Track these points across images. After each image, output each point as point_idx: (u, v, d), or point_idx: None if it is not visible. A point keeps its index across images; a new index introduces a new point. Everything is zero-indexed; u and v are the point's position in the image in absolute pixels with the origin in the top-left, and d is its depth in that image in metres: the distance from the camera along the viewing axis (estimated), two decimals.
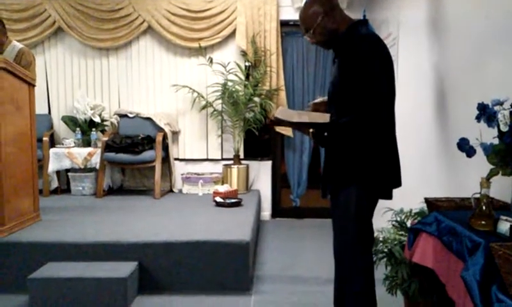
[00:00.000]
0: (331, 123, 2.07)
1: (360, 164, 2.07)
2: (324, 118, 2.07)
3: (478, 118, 1.72)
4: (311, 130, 2.11)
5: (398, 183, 2.19)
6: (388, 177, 2.14)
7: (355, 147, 2.06)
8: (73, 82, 5.53)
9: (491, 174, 1.64)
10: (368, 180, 2.09)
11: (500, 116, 1.55)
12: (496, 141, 1.64)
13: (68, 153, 5.07)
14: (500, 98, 1.65)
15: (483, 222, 1.61)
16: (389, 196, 2.19)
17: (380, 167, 2.09)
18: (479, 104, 1.71)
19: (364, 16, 2.60)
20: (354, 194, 2.09)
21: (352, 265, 2.18)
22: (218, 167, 5.53)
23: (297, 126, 2.22)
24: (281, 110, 2.19)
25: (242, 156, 5.47)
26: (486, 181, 1.63)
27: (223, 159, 5.58)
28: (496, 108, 1.62)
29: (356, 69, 1.99)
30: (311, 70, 5.50)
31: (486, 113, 1.66)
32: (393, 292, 2.33)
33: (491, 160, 1.64)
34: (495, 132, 1.66)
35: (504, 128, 1.53)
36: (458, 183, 2.55)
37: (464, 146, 1.78)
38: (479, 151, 1.73)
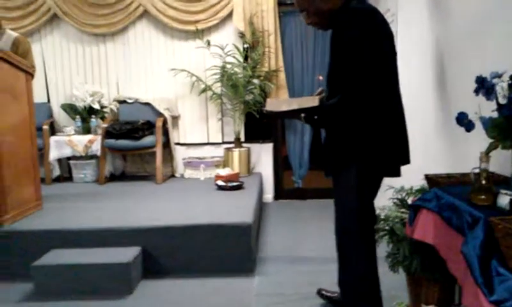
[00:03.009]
0: (320, 106, 2.07)
1: (358, 142, 2.07)
2: (313, 101, 2.09)
3: (476, 91, 1.69)
4: (302, 115, 2.11)
5: (405, 160, 2.18)
6: (391, 154, 2.13)
7: (352, 126, 2.05)
8: (71, 70, 5.50)
9: (490, 148, 1.62)
10: (369, 159, 2.09)
11: (498, 88, 1.52)
12: (495, 115, 1.62)
13: (68, 141, 5.08)
14: (498, 70, 1.62)
15: (483, 197, 1.59)
16: (396, 173, 2.19)
17: (381, 145, 2.08)
18: (477, 77, 1.68)
19: None
20: (355, 173, 2.09)
21: (354, 246, 2.20)
22: (219, 151, 5.51)
23: (288, 114, 2.22)
24: (270, 103, 2.20)
25: (243, 139, 5.46)
26: (485, 156, 1.61)
27: (223, 143, 5.56)
28: (494, 80, 1.59)
29: (345, 48, 1.97)
30: (310, 50, 5.44)
31: (484, 86, 1.63)
32: (396, 269, 2.33)
33: (490, 134, 1.62)
34: (494, 105, 1.64)
35: (503, 101, 1.51)
36: (459, 159, 2.53)
37: (463, 121, 1.77)
38: (480, 125, 1.71)
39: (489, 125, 1.63)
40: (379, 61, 1.97)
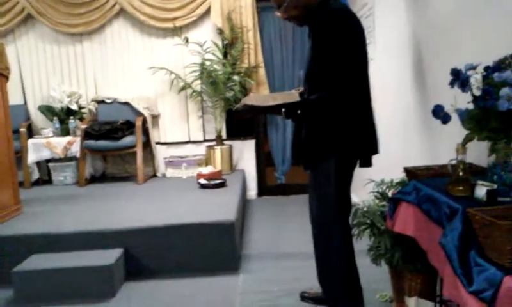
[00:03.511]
0: (304, 100, 2.16)
1: (337, 135, 2.14)
2: (293, 97, 2.15)
3: (452, 84, 1.71)
4: (283, 109, 2.14)
5: (375, 150, 2.27)
6: (365, 145, 2.22)
7: (331, 120, 2.12)
8: (48, 71, 5.40)
9: (467, 139, 1.64)
10: (347, 150, 2.18)
11: (472, 80, 1.54)
12: (471, 106, 1.64)
13: (47, 143, 4.99)
14: (473, 62, 1.64)
15: (460, 188, 1.61)
16: (369, 164, 2.28)
17: (357, 137, 2.17)
18: (452, 69, 1.70)
19: None
20: (334, 165, 2.16)
21: (333, 236, 2.26)
22: (201, 149, 5.48)
23: (269, 110, 2.24)
24: (254, 97, 2.21)
25: (224, 136, 5.44)
26: (462, 147, 1.63)
27: (205, 140, 5.52)
28: (469, 72, 1.61)
29: (327, 45, 2.03)
30: (289, 45, 5.45)
31: (459, 78, 1.65)
32: (378, 262, 2.35)
33: (467, 126, 1.64)
34: (470, 97, 1.65)
35: (477, 93, 1.52)
36: (439, 151, 2.57)
37: (439, 113, 1.78)
38: (457, 117, 1.73)
39: (465, 117, 1.64)
40: (359, 58, 2.09)
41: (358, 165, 2.28)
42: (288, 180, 5.75)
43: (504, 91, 1.44)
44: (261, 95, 2.16)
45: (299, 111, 2.17)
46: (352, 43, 2.04)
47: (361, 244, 2.37)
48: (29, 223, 3.43)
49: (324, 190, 2.24)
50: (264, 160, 5.72)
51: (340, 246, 2.25)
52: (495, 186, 1.53)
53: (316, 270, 2.48)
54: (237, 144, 5.54)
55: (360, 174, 2.67)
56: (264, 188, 5.74)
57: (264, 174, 5.74)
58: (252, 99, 2.20)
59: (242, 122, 5.44)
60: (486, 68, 1.58)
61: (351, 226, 2.34)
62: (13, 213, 3.62)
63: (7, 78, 3.70)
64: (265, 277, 3.09)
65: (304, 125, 2.29)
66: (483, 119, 1.58)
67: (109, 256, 2.99)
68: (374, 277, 2.61)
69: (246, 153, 5.60)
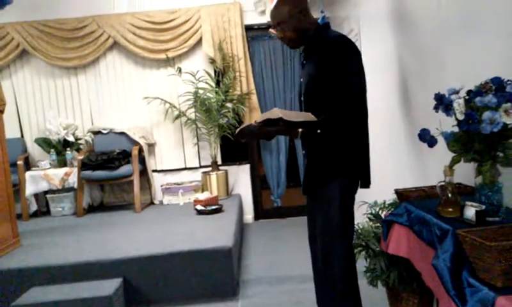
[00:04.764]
0: (322, 120, 2.07)
1: (342, 157, 2.15)
2: (309, 116, 2.05)
3: (436, 108, 1.77)
4: (300, 129, 2.08)
5: (369, 171, 2.27)
6: (365, 166, 2.23)
7: (337, 142, 2.13)
8: (44, 104, 5.46)
9: (453, 162, 1.69)
10: (351, 172, 2.18)
11: (455, 104, 1.60)
12: (456, 129, 1.69)
13: (44, 175, 5.02)
14: (455, 87, 1.71)
15: (450, 209, 1.66)
16: (368, 184, 2.26)
17: (359, 158, 2.19)
18: (435, 94, 1.76)
19: (323, 16, 2.63)
20: (339, 188, 2.15)
21: (337, 262, 2.20)
22: (197, 175, 5.54)
23: (287, 127, 2.11)
24: (280, 111, 2.01)
25: (220, 162, 5.51)
26: (449, 169, 1.68)
27: (201, 167, 5.58)
28: (452, 97, 1.67)
29: (330, 70, 2.07)
30: (280, 72, 5.56)
31: (443, 103, 1.71)
32: (374, 283, 2.38)
33: (452, 148, 1.70)
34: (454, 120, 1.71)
35: (460, 117, 1.58)
36: (428, 173, 2.61)
37: (425, 137, 1.84)
38: (442, 140, 1.78)
39: (451, 140, 1.70)
40: (361, 84, 2.13)
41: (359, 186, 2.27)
42: (284, 203, 5.79)
43: (486, 114, 1.50)
44: (285, 111, 2.01)
45: (318, 131, 2.11)
46: (354, 69, 2.10)
47: (358, 265, 2.38)
48: (27, 256, 3.43)
49: (327, 216, 2.20)
50: (259, 184, 5.77)
51: (344, 271, 2.20)
52: (484, 207, 1.57)
53: (316, 295, 2.44)
54: (233, 169, 5.59)
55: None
56: (261, 212, 5.78)
57: (259, 198, 5.79)
58: (280, 112, 2.01)
59: (236, 146, 5.50)
60: (468, 92, 1.64)
61: (354, 254, 2.30)
62: (12, 247, 3.63)
63: (2, 111, 3.74)
64: (264, 302, 3.11)
65: (307, 149, 2.31)
66: (468, 142, 1.64)
67: (109, 287, 3.00)
68: (372, 298, 2.62)
69: (241, 177, 5.65)
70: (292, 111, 2.19)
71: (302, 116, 2.10)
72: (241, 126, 2.17)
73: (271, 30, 2.34)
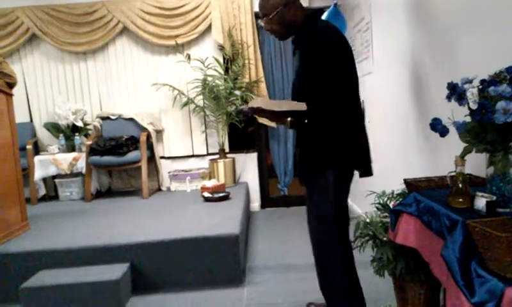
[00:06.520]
0: (310, 109, 2.09)
1: (333, 148, 2.16)
2: (300, 106, 2.08)
3: (449, 97, 1.75)
4: (289, 118, 2.14)
5: (368, 160, 2.28)
6: (362, 156, 2.24)
7: (327, 132, 2.13)
8: (53, 88, 5.48)
9: (465, 152, 1.67)
10: (344, 163, 2.19)
11: (468, 94, 1.57)
12: (468, 119, 1.67)
13: (53, 160, 5.05)
14: (469, 76, 1.68)
15: (460, 200, 1.64)
16: (369, 173, 2.28)
17: (353, 149, 2.19)
18: (448, 83, 1.73)
19: (335, 3, 2.61)
20: (332, 178, 2.17)
21: (333, 252, 2.25)
22: (204, 163, 5.55)
23: (275, 115, 2.24)
24: (261, 101, 2.18)
25: (227, 150, 5.52)
26: (461, 160, 1.66)
27: (208, 154, 5.59)
28: (466, 86, 1.65)
29: (313, 61, 2.07)
30: (289, 60, 5.51)
31: (456, 92, 1.68)
32: (381, 273, 2.37)
33: (464, 138, 1.67)
34: (468, 110, 1.68)
35: (473, 106, 1.56)
36: (438, 162, 2.60)
37: (437, 126, 1.81)
38: (452, 130, 1.76)
39: (463, 130, 1.67)
40: (343, 74, 2.10)
41: (354, 176, 2.29)
42: (291, 192, 5.79)
43: (500, 104, 1.47)
44: (268, 100, 2.12)
45: (306, 121, 2.16)
46: (336, 62, 2.06)
47: (364, 255, 2.38)
48: (36, 239, 3.47)
49: (321, 206, 2.24)
50: (266, 172, 5.77)
51: (342, 260, 2.24)
52: (494, 197, 1.55)
53: (319, 284, 2.46)
54: (240, 157, 5.60)
55: (361, 186, 2.70)
56: (267, 200, 5.78)
57: (266, 186, 5.79)
58: (259, 102, 2.18)
59: (244, 135, 5.50)
60: (482, 82, 1.61)
61: (350, 239, 2.33)
62: (21, 230, 3.66)
63: (12, 86, 3.76)
64: (270, 290, 3.12)
65: (300, 140, 2.31)
66: (480, 132, 1.61)
67: (116, 271, 3.02)
68: (378, 288, 2.63)
69: (248, 165, 5.66)
70: (277, 101, 2.22)
71: (285, 105, 2.14)
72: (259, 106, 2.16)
73: (259, 21, 2.33)
